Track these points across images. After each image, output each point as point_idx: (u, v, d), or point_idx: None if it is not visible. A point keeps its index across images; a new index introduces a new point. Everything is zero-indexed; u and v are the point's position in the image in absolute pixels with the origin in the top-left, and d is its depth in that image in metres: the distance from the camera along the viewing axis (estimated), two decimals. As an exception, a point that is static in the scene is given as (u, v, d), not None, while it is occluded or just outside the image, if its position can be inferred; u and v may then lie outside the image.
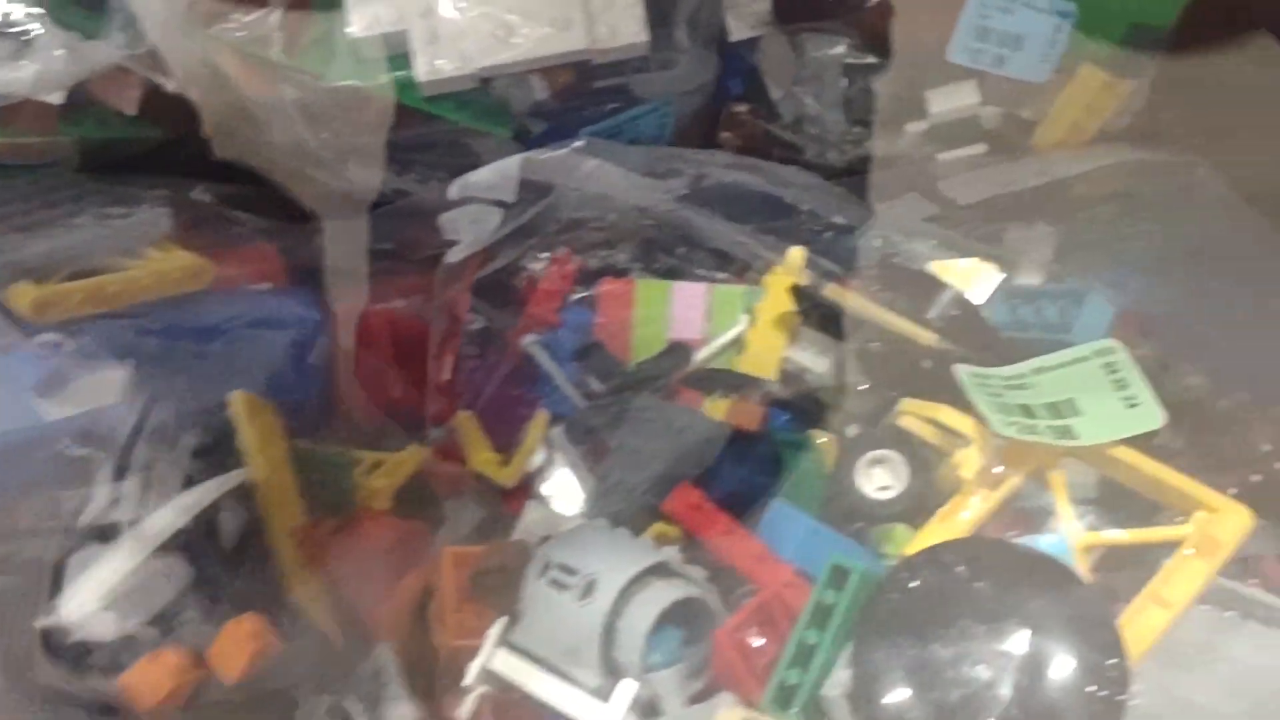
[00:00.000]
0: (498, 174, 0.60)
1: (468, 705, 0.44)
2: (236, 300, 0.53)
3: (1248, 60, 0.67)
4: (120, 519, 0.43)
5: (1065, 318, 0.53)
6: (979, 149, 0.70)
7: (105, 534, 0.42)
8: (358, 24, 0.58)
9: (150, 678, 0.39)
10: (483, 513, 0.52)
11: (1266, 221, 0.60)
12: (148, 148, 0.63)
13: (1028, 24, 0.64)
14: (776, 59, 0.70)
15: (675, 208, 0.59)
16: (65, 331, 0.46)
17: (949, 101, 0.67)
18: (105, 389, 0.45)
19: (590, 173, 0.58)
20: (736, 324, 0.55)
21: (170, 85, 0.58)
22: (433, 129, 0.64)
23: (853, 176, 0.73)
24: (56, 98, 0.55)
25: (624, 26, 0.58)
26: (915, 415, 0.46)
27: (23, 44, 0.55)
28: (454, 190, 0.62)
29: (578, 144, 0.58)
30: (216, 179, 0.63)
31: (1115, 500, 0.45)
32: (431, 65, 0.58)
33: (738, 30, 0.69)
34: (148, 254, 0.52)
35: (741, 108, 0.73)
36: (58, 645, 0.41)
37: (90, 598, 0.40)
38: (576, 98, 0.64)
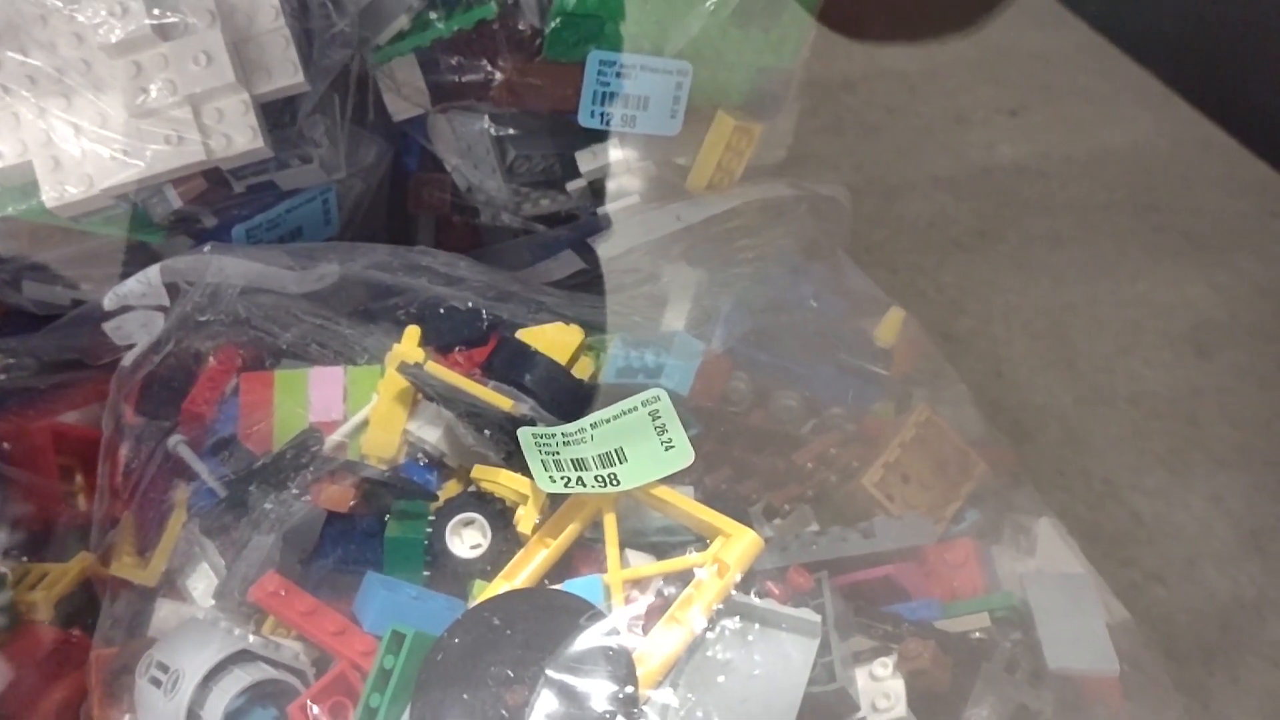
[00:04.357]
0: (143, 282, 0.64)
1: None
2: None
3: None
4: None
5: (660, 360, 0.59)
6: (633, 200, 0.75)
7: None
8: (-20, 159, 0.61)
9: None
10: (129, 615, 0.55)
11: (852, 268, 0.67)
12: None
13: (648, 85, 0.69)
14: (441, 135, 0.75)
15: (314, 299, 0.63)
16: None
17: (595, 160, 0.73)
18: None
19: (223, 271, 0.62)
20: (370, 403, 0.59)
21: None
22: (97, 242, 0.67)
23: (524, 235, 0.79)
24: None
25: (238, 136, 0.62)
26: (487, 479, 0.51)
27: None
28: (108, 301, 0.65)
29: (205, 248, 0.62)
30: None
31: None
32: (60, 191, 0.61)
33: (399, 111, 0.74)
34: None
35: (424, 181, 0.78)
36: None
37: None
38: (224, 199, 0.68)
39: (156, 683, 0.46)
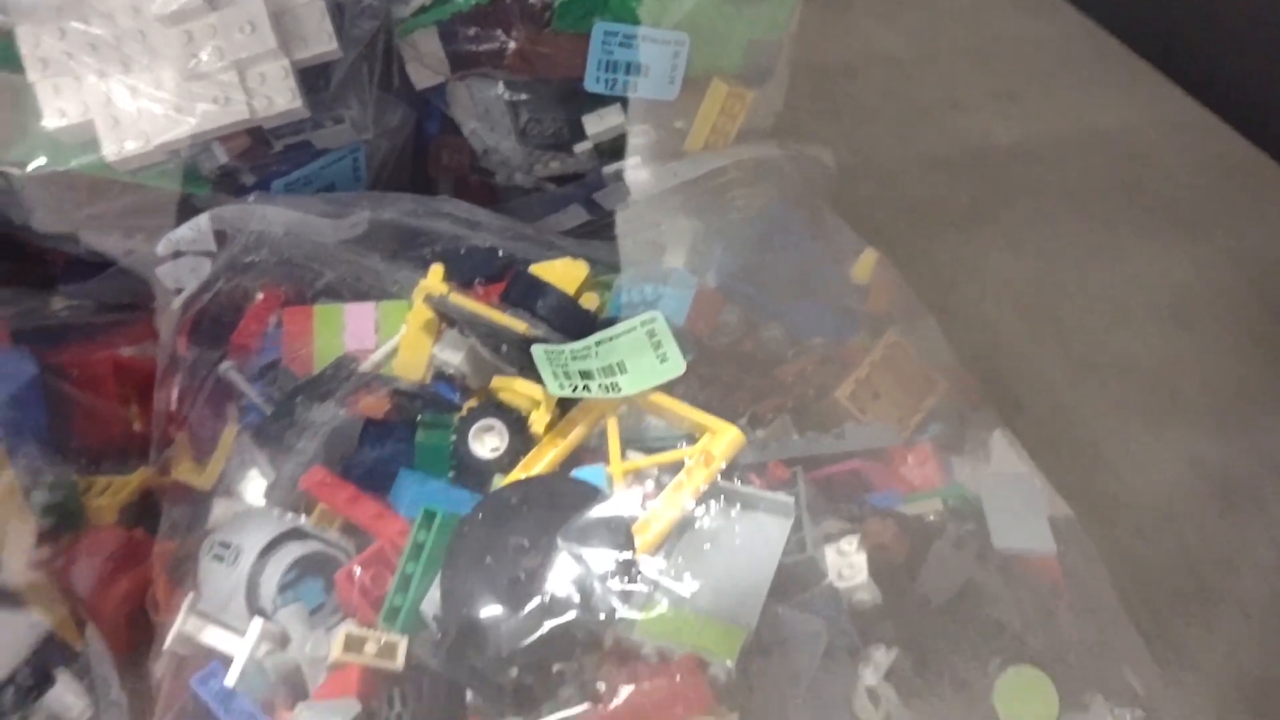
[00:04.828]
0: (194, 229, 0.71)
1: (162, 663, 0.54)
2: (-40, 364, 0.63)
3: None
4: None
5: (657, 294, 0.66)
6: (635, 159, 0.82)
7: None
8: (49, 118, 0.68)
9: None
10: (189, 515, 0.62)
11: (831, 215, 0.74)
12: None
13: (649, 54, 0.76)
14: (459, 101, 0.82)
15: (349, 243, 0.71)
16: None
17: (601, 124, 0.80)
18: None
19: (266, 219, 0.69)
20: (399, 333, 0.66)
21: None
22: (149, 195, 0.74)
23: (535, 193, 0.86)
24: None
25: (279, 97, 0.69)
26: (504, 389, 0.58)
27: None
28: (162, 247, 0.72)
29: (250, 197, 0.69)
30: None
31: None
32: (119, 146, 0.69)
33: (421, 79, 0.81)
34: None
35: (444, 144, 0.85)
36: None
37: None
38: (263, 157, 0.75)
39: (219, 558, 0.54)
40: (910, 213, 1.08)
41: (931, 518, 0.55)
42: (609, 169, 0.83)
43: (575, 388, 0.56)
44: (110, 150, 0.68)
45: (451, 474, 0.58)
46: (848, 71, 1.25)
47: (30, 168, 0.68)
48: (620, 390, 0.56)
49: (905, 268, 0.84)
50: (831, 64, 1.26)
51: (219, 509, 0.60)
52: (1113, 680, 0.55)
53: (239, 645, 0.51)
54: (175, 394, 0.69)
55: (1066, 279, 1.02)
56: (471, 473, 0.58)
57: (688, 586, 0.50)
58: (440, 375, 0.64)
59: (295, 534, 0.54)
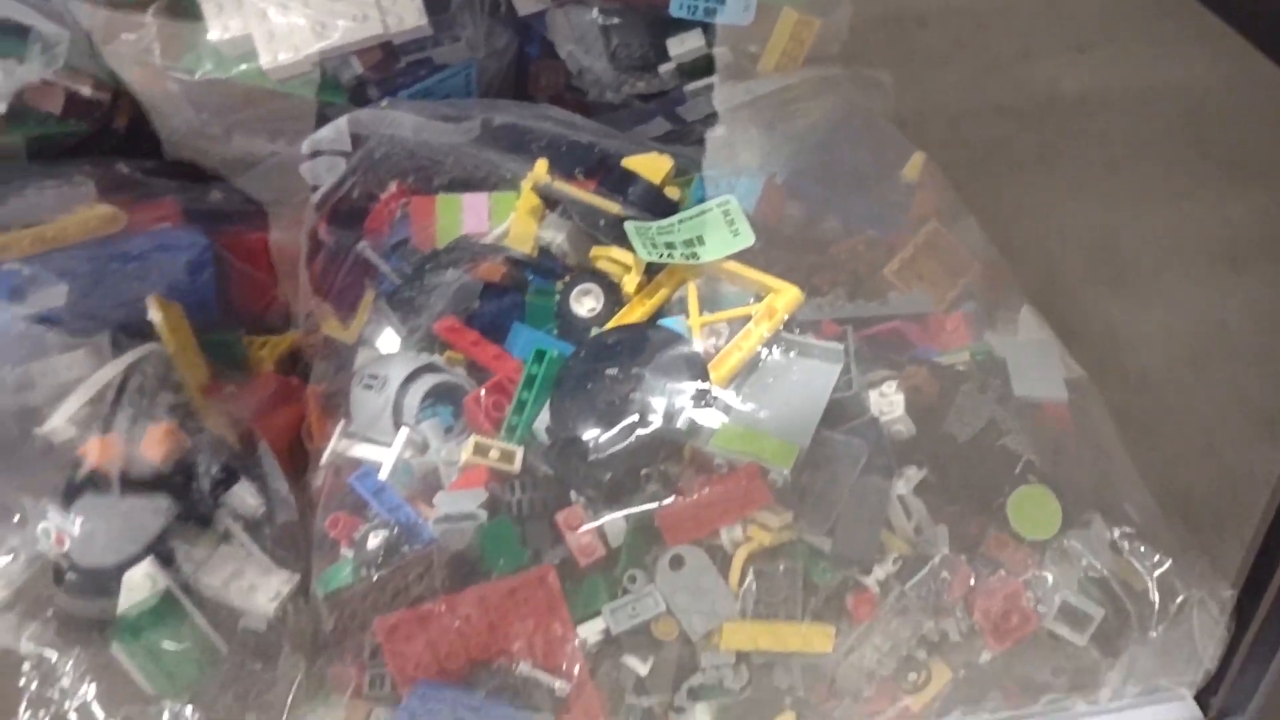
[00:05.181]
0: (334, 130, 0.82)
1: (320, 474, 0.67)
2: (146, 236, 0.75)
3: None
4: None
5: (731, 188, 0.76)
6: (713, 79, 0.93)
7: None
8: (215, 31, 0.80)
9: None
10: (337, 363, 0.74)
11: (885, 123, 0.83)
12: (79, 139, 0.85)
13: (728, -20, 0.86)
14: (558, 27, 0.92)
15: (466, 143, 0.82)
16: (23, 262, 0.69)
17: (683, 46, 0.90)
18: (51, 297, 0.68)
19: (396, 122, 0.81)
20: (509, 219, 0.77)
21: (85, 91, 0.80)
22: (290, 103, 0.86)
23: (623, 109, 0.97)
24: (1, 107, 0.77)
25: (408, 16, 0.80)
26: (601, 257, 0.69)
27: (-31, 72, 0.77)
28: (306, 146, 0.84)
29: (383, 103, 0.80)
30: (134, 156, 0.86)
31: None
32: (274, 56, 0.81)
33: (524, 7, 0.91)
34: (77, 209, 0.74)
35: (543, 67, 0.96)
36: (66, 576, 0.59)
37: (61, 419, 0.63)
38: (393, 69, 0.87)
39: (369, 387, 0.66)
40: (978, 157, 1.12)
41: (960, 368, 0.65)
42: (690, 87, 0.93)
43: (662, 255, 0.67)
44: (266, 60, 0.80)
45: (556, 332, 0.70)
46: (920, 21, 1.29)
47: (198, 74, 0.81)
48: (699, 258, 0.66)
49: (969, 207, 0.88)
50: (905, 14, 1.29)
51: (361, 357, 0.72)
52: (1113, 509, 0.65)
53: (387, 452, 0.63)
54: (318, 270, 0.81)
55: (1123, 221, 1.06)
56: (572, 330, 0.70)
57: (752, 411, 0.61)
58: (545, 252, 0.75)
59: (431, 368, 0.65)
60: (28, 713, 0.58)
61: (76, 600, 0.60)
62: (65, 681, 0.58)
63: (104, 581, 0.59)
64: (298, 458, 0.72)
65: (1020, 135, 1.16)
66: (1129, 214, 1.08)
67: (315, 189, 0.85)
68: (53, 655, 0.58)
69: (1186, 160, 1.13)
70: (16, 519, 0.60)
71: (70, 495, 0.60)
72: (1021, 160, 1.13)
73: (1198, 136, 1.16)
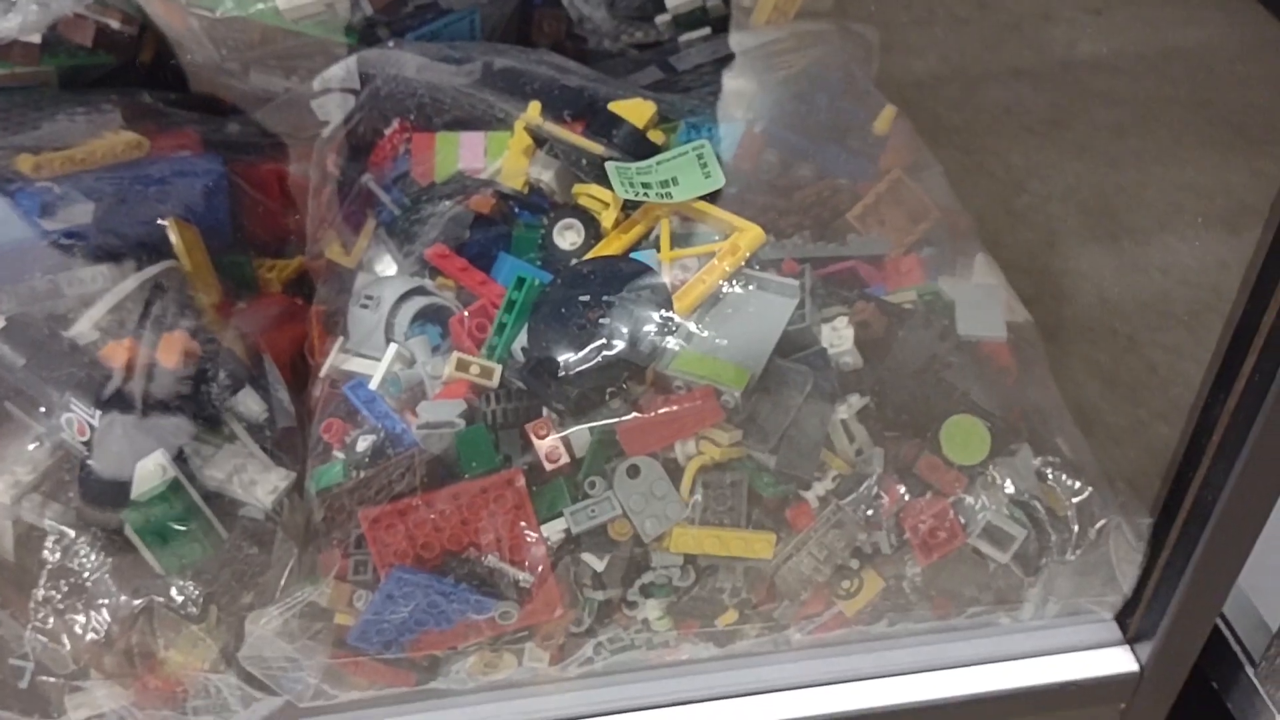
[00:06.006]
0: (343, 69, 0.88)
1: (319, 385, 0.73)
2: (166, 162, 0.81)
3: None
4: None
5: (711, 134, 0.81)
6: (705, 31, 0.97)
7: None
8: (234, -29, 0.85)
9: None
10: (338, 286, 0.81)
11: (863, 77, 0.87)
12: (107, 70, 0.91)
13: (722, -65, 0.90)
14: (562, -25, 0.97)
15: (467, 84, 0.87)
16: (54, 182, 0.76)
17: (678, -2, 0.95)
18: (79, 215, 0.74)
19: (402, 63, 0.86)
20: (503, 157, 0.83)
21: (114, 25, 0.86)
22: (303, 42, 0.92)
23: (619, 57, 1.02)
24: (36, 38, 0.83)
25: (416, -42, 0.85)
26: (582, 194, 0.75)
27: (8, 3, 0.83)
28: (317, 83, 0.90)
29: (389, 43, 0.86)
30: (158, 88, 0.91)
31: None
32: (290, -3, 0.86)
33: (528, -45, 0.96)
34: (104, 135, 0.80)
35: (545, 14, 1.01)
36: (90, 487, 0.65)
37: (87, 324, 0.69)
38: (401, 12, 0.92)
39: (365, 306, 0.72)
40: (990, 118, 1.15)
41: (908, 306, 0.70)
42: (684, 38, 0.98)
43: (638, 193, 0.72)
44: (283, 0, 0.85)
45: (539, 263, 0.75)
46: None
47: (219, 12, 0.86)
48: (673, 197, 0.72)
49: (978, 169, 0.90)
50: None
51: (360, 280, 0.78)
52: (1044, 441, 0.71)
53: (379, 366, 0.70)
54: (325, 200, 0.87)
55: (1127, 183, 1.09)
56: (554, 260, 0.75)
57: (710, 338, 0.67)
58: (534, 189, 0.80)
59: (421, 290, 0.71)
60: (49, 583, 0.65)
61: (93, 506, 0.67)
62: (83, 557, 0.65)
63: (120, 493, 0.65)
64: (299, 371, 0.79)
65: (1034, 98, 1.18)
66: (1132, 177, 1.10)
67: (325, 124, 0.90)
68: (72, 533, 0.65)
69: (1193, 124, 1.16)
70: (43, 409, 0.66)
71: (96, 404, 0.66)
72: (1032, 122, 1.16)
73: (1207, 101, 1.18)
